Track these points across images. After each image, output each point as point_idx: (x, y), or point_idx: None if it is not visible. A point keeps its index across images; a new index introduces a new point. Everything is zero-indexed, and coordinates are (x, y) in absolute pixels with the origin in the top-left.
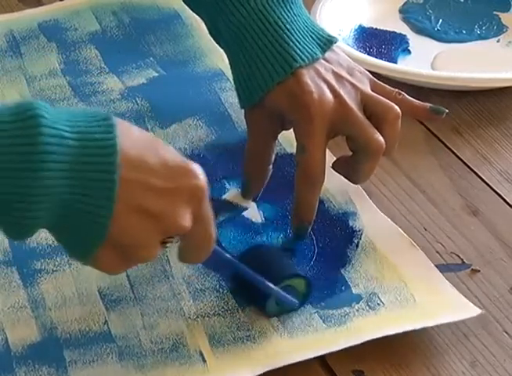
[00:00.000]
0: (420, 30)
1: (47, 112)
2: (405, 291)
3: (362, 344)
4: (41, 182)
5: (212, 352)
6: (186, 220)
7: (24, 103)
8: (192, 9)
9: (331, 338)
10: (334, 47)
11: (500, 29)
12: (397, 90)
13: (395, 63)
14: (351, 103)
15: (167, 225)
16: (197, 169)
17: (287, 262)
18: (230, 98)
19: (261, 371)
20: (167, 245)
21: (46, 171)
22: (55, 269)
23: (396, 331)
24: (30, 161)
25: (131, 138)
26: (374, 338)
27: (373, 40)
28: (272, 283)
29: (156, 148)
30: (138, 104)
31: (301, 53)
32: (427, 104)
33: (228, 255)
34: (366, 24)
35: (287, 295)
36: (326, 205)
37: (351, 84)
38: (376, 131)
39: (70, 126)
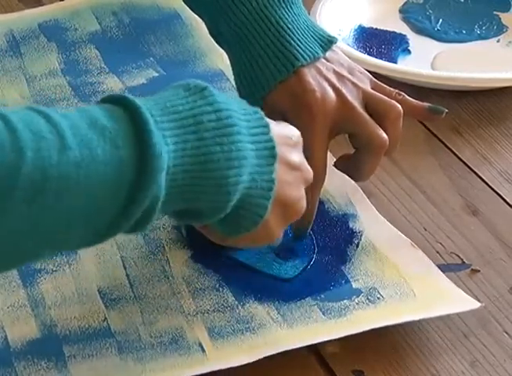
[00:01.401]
0: (420, 30)
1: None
2: (404, 286)
3: (363, 344)
4: (236, 146)
5: (212, 343)
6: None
7: (193, 82)
8: (192, 10)
9: (330, 329)
10: (334, 47)
11: (500, 29)
12: (397, 90)
13: (395, 63)
14: (354, 101)
15: (305, 173)
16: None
17: None
18: None
19: (260, 357)
20: None
21: (242, 150)
22: (55, 268)
23: (395, 322)
24: (222, 127)
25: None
26: (373, 327)
27: (373, 40)
28: None
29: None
30: None
31: (302, 52)
32: (427, 104)
33: None
34: (366, 24)
35: None
36: (326, 206)
37: (353, 83)
38: (379, 127)
39: (244, 114)
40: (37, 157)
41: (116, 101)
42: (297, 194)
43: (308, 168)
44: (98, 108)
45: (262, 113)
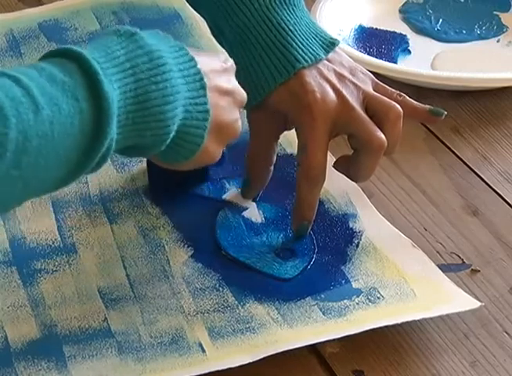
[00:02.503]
0: (420, 30)
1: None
2: (405, 286)
3: (363, 344)
4: (170, 82)
5: (212, 343)
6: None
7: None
8: (194, 9)
9: (331, 328)
10: (337, 49)
11: (500, 29)
12: (398, 92)
13: (395, 63)
14: (354, 102)
15: (238, 96)
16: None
17: None
18: None
19: (260, 356)
20: None
21: (175, 86)
22: (55, 269)
23: (395, 322)
24: (157, 65)
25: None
26: (373, 327)
27: (373, 40)
28: None
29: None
30: None
31: (303, 54)
32: (427, 106)
33: None
34: (366, 24)
35: None
36: (326, 206)
37: (354, 84)
38: (377, 128)
39: (171, 52)
40: (18, 121)
41: (63, 54)
42: (232, 117)
43: (241, 90)
44: (52, 64)
45: (186, 48)
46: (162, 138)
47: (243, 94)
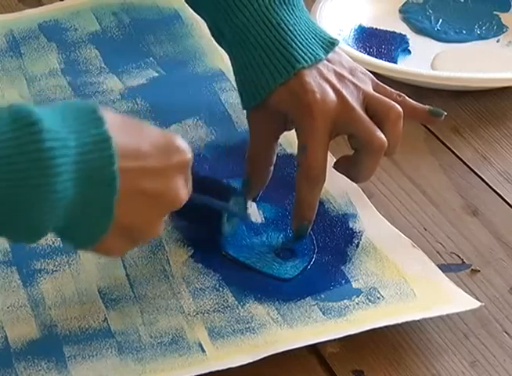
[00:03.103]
0: (419, 30)
1: (43, 115)
2: (405, 286)
3: (363, 344)
4: (53, 187)
5: (212, 343)
6: (184, 193)
7: (19, 109)
8: (194, 10)
9: (331, 328)
10: (337, 49)
11: (500, 29)
12: (397, 92)
13: (395, 63)
14: (354, 102)
15: (169, 202)
16: (183, 143)
17: (223, 182)
18: (230, 98)
19: (260, 356)
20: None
21: (56, 176)
22: (55, 269)
23: (395, 322)
24: (36, 168)
25: (119, 126)
26: (373, 327)
27: (373, 40)
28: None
29: (141, 131)
30: (138, 104)
31: (303, 54)
32: (427, 107)
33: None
34: (366, 24)
35: (239, 211)
36: (326, 206)
37: (354, 84)
38: (377, 129)
39: (65, 126)
40: None
41: None
42: (146, 222)
43: (173, 194)
44: None
45: (113, 145)
46: (33, 235)
47: (174, 198)
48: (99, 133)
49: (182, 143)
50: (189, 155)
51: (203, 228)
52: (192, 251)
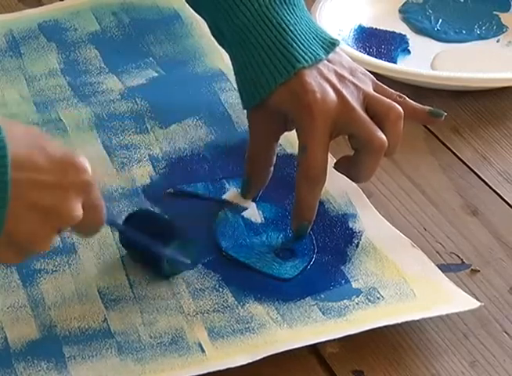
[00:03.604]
0: (419, 30)
1: None
2: (404, 286)
3: (363, 344)
4: None
5: (211, 344)
6: (77, 211)
7: None
8: (194, 9)
9: (330, 328)
10: (337, 49)
11: (500, 29)
12: (398, 93)
13: (395, 63)
14: (354, 102)
15: (60, 218)
16: (83, 162)
17: (174, 224)
18: (230, 98)
19: (260, 357)
20: (63, 233)
21: None
22: (54, 269)
23: (395, 322)
24: None
25: (17, 137)
26: (373, 327)
27: (373, 40)
28: (164, 245)
29: (41, 145)
30: (137, 104)
31: (304, 54)
32: (427, 107)
33: (118, 223)
34: (366, 24)
35: (179, 256)
36: (326, 206)
37: (354, 84)
38: (378, 129)
39: None
40: None
41: None
42: (34, 236)
43: (66, 214)
44: None
45: (8, 150)
46: None
47: (64, 215)
48: None
49: (82, 163)
50: (88, 175)
51: (147, 265)
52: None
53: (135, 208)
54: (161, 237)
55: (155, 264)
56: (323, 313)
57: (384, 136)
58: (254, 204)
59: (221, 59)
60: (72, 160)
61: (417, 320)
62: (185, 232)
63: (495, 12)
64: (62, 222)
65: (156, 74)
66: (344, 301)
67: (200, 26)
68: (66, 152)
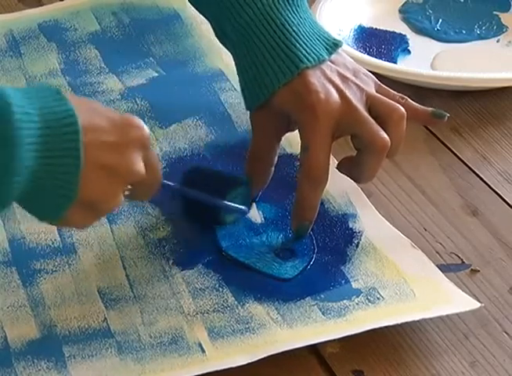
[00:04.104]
0: (419, 30)
1: (10, 92)
2: (404, 286)
3: (363, 344)
4: (17, 157)
5: (211, 344)
6: (140, 166)
7: None
8: (197, 10)
9: (330, 329)
10: (339, 50)
11: (500, 29)
12: (400, 94)
13: (395, 63)
14: (357, 102)
15: (126, 174)
16: (140, 121)
17: (226, 174)
18: (230, 98)
19: (260, 357)
20: (126, 193)
21: (20, 146)
22: (54, 269)
23: (395, 322)
24: (6, 138)
25: (78, 106)
26: (373, 328)
27: (373, 40)
28: (220, 198)
29: (98, 110)
30: (137, 104)
31: (307, 55)
32: (430, 109)
33: (174, 184)
34: (366, 24)
35: (236, 205)
36: (326, 206)
37: (357, 85)
38: (380, 129)
39: (30, 103)
40: None
41: None
42: (106, 195)
43: (131, 170)
44: None
45: (78, 119)
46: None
47: (130, 171)
48: (65, 110)
49: (138, 121)
50: (146, 131)
51: (197, 223)
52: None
53: (160, 230)
54: (216, 190)
55: (212, 216)
56: (323, 313)
57: (386, 137)
58: (254, 204)
59: (221, 59)
60: (129, 121)
61: (417, 320)
62: (236, 180)
63: (495, 12)
64: (127, 178)
65: (156, 74)
66: (344, 301)
67: (199, 26)
68: (122, 114)
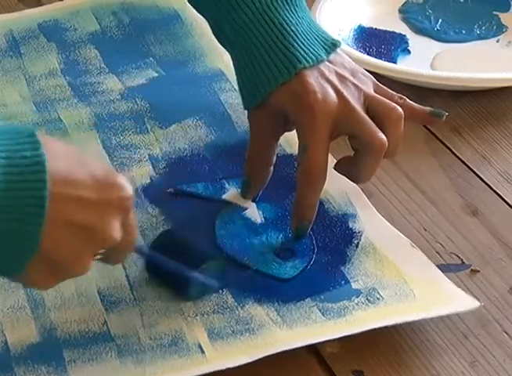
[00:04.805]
0: (419, 30)
1: None
2: (404, 286)
3: (362, 344)
4: None
5: (211, 345)
6: (117, 231)
7: None
8: (196, 9)
9: (330, 329)
10: (338, 50)
11: (500, 29)
12: (399, 94)
13: (395, 63)
14: (355, 103)
15: (99, 238)
16: (124, 181)
17: (200, 248)
18: (230, 98)
19: (259, 356)
20: (97, 257)
21: None
22: None
23: (395, 322)
24: None
25: (58, 153)
26: (373, 328)
27: (373, 40)
28: (191, 268)
29: (83, 162)
30: (137, 104)
31: (305, 54)
32: (428, 108)
33: (144, 249)
34: (366, 24)
35: (207, 278)
36: (326, 206)
37: (355, 85)
38: (378, 129)
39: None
40: None
41: None
42: (73, 256)
43: (106, 234)
44: None
45: (46, 177)
46: None
47: (105, 235)
48: (34, 155)
49: (124, 181)
50: (129, 192)
51: (169, 289)
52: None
53: (160, 230)
54: (188, 261)
55: (181, 288)
56: (323, 314)
57: (384, 137)
58: (254, 204)
59: (221, 59)
60: (113, 178)
61: (417, 320)
62: (211, 254)
63: (495, 12)
64: (100, 243)
65: (156, 74)
66: (344, 301)
67: (199, 26)
68: (106, 170)
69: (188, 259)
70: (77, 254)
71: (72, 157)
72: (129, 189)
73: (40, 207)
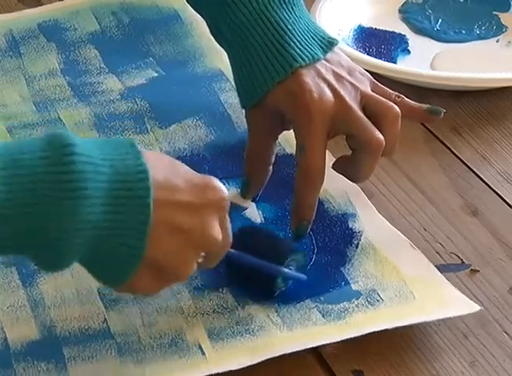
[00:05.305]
0: (419, 30)
1: (79, 141)
2: (404, 288)
3: (362, 344)
4: (80, 210)
5: (211, 346)
6: (218, 232)
7: (54, 134)
8: (194, 8)
9: (330, 332)
10: (335, 49)
11: (500, 29)
12: (396, 93)
13: (395, 63)
14: (351, 102)
15: (202, 240)
16: (218, 183)
17: (281, 238)
18: (230, 98)
19: (260, 359)
20: (199, 260)
21: (84, 199)
22: None
23: (395, 325)
24: (66, 190)
25: (155, 162)
26: (373, 330)
27: (373, 40)
28: (276, 263)
29: (177, 169)
30: (137, 104)
31: (301, 53)
32: (425, 106)
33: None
34: (366, 24)
35: (295, 273)
36: (326, 206)
37: (351, 84)
38: (375, 128)
39: (100, 153)
40: None
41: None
42: (177, 260)
43: (207, 235)
44: None
45: (150, 184)
46: (54, 264)
47: (207, 236)
48: (137, 164)
49: (218, 183)
50: (225, 194)
51: (254, 288)
52: None
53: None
54: (272, 255)
55: (267, 283)
56: (323, 316)
57: (381, 136)
58: (253, 204)
59: (221, 60)
60: (208, 181)
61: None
62: (293, 245)
63: (494, 12)
64: (204, 244)
65: (156, 74)
66: (344, 303)
67: (199, 26)
68: (201, 175)
69: (274, 254)
70: (182, 259)
71: (166, 163)
72: (224, 190)
73: (145, 214)
